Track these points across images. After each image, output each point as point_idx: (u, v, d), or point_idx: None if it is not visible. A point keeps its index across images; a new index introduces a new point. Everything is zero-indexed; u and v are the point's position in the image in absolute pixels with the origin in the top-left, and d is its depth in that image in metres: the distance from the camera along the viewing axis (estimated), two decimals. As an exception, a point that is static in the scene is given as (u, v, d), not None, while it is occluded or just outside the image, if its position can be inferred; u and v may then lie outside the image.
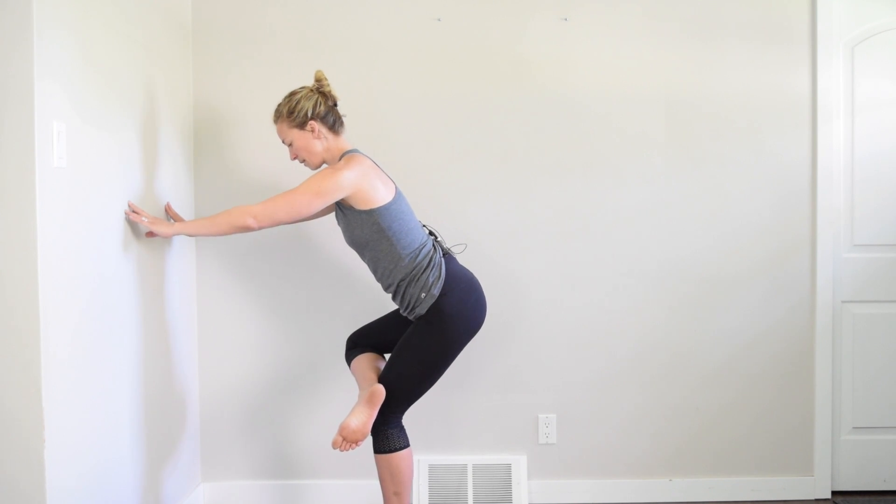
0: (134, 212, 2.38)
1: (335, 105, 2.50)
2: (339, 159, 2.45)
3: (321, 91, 2.47)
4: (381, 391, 2.34)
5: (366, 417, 2.33)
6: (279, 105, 2.48)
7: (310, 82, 2.53)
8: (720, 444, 3.11)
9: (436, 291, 2.39)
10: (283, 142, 2.50)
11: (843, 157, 3.11)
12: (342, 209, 2.43)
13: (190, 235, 2.58)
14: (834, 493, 3.14)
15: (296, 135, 2.45)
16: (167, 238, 2.64)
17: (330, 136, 2.47)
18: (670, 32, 3.04)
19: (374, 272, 2.49)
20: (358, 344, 2.65)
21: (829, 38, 3.04)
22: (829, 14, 3.04)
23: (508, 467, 3.05)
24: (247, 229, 2.36)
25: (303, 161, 2.51)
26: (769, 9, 3.04)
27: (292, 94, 2.47)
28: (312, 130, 2.44)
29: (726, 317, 3.08)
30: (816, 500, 3.11)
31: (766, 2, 3.04)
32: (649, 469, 3.11)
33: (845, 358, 3.14)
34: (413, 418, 2.82)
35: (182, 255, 2.88)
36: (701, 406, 3.10)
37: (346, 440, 2.32)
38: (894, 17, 3.09)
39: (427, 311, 2.40)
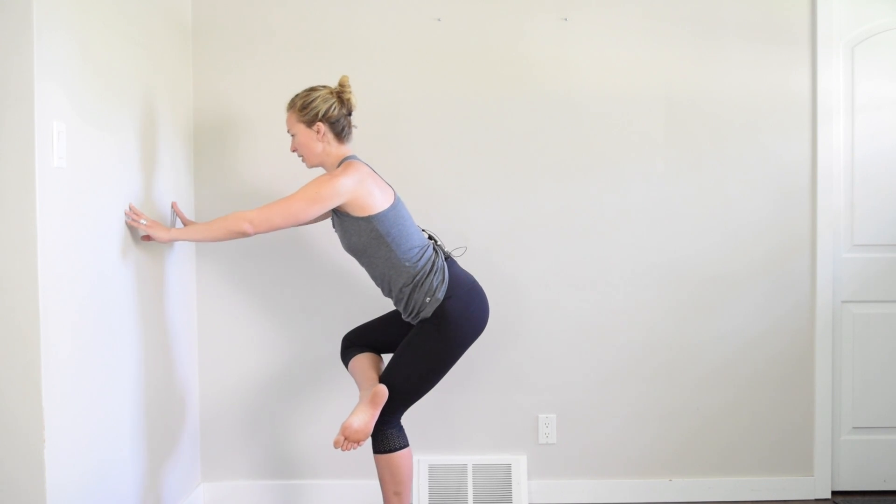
0: (134, 213, 2.38)
1: (350, 114, 2.49)
2: (338, 166, 2.45)
3: (341, 97, 2.45)
4: (383, 391, 2.34)
5: (368, 417, 2.33)
6: (296, 95, 2.46)
7: (305, 82, 2.51)
8: (720, 444, 3.11)
9: (440, 295, 2.39)
10: (288, 131, 2.49)
11: (843, 157, 3.11)
12: (339, 216, 2.42)
13: (187, 241, 2.57)
14: (834, 493, 3.14)
15: (301, 129, 2.45)
16: (164, 243, 2.63)
17: (334, 142, 2.46)
18: (670, 32, 3.04)
19: (374, 278, 2.49)
20: (354, 343, 2.65)
21: (829, 39, 3.04)
22: (829, 14, 3.04)
23: (508, 467, 3.05)
24: (243, 235, 2.35)
25: (300, 156, 2.50)
26: (769, 9, 3.04)
27: (312, 89, 2.45)
28: (318, 131, 2.43)
29: (726, 317, 3.08)
30: (816, 500, 3.11)
31: (766, 2, 3.04)
32: (649, 469, 3.11)
33: (845, 358, 3.14)
34: (413, 418, 2.82)
35: (182, 256, 2.88)
36: (701, 406, 3.10)
37: (348, 440, 2.32)
38: (894, 17, 3.09)
39: (432, 314, 2.40)
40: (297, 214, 2.35)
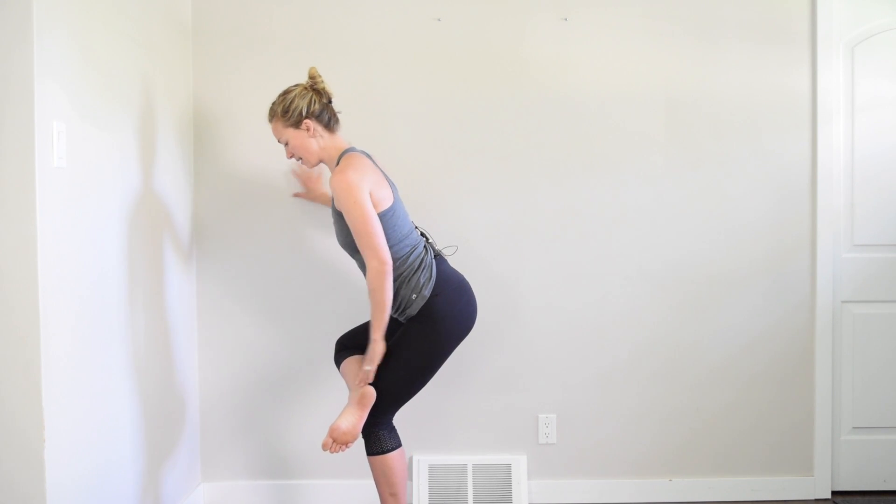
0: (363, 381, 2.37)
1: (330, 102, 2.49)
2: (338, 160, 2.45)
3: (315, 88, 2.45)
4: (371, 393, 2.35)
5: (356, 419, 2.34)
6: (273, 104, 2.46)
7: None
8: (720, 444, 3.11)
9: (427, 292, 2.39)
10: (279, 141, 2.49)
11: (843, 157, 3.11)
12: (337, 213, 2.42)
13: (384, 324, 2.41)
14: (834, 493, 3.14)
15: (291, 134, 2.44)
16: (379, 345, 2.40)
17: (326, 134, 2.46)
18: (670, 32, 3.03)
19: (365, 275, 2.49)
20: (347, 346, 2.65)
21: (829, 38, 3.04)
22: (829, 14, 3.04)
23: (508, 467, 3.05)
24: (389, 275, 2.31)
25: (299, 160, 2.50)
26: (769, 9, 3.04)
27: (286, 92, 2.45)
28: (308, 129, 2.43)
29: (726, 317, 3.08)
30: (816, 500, 3.11)
31: (766, 2, 3.04)
32: (649, 469, 3.11)
33: (845, 358, 3.14)
34: (413, 418, 2.83)
35: (181, 256, 2.88)
36: (701, 406, 3.10)
37: (336, 442, 2.33)
38: (894, 17, 3.09)
39: (418, 312, 2.40)
40: (375, 225, 2.30)
